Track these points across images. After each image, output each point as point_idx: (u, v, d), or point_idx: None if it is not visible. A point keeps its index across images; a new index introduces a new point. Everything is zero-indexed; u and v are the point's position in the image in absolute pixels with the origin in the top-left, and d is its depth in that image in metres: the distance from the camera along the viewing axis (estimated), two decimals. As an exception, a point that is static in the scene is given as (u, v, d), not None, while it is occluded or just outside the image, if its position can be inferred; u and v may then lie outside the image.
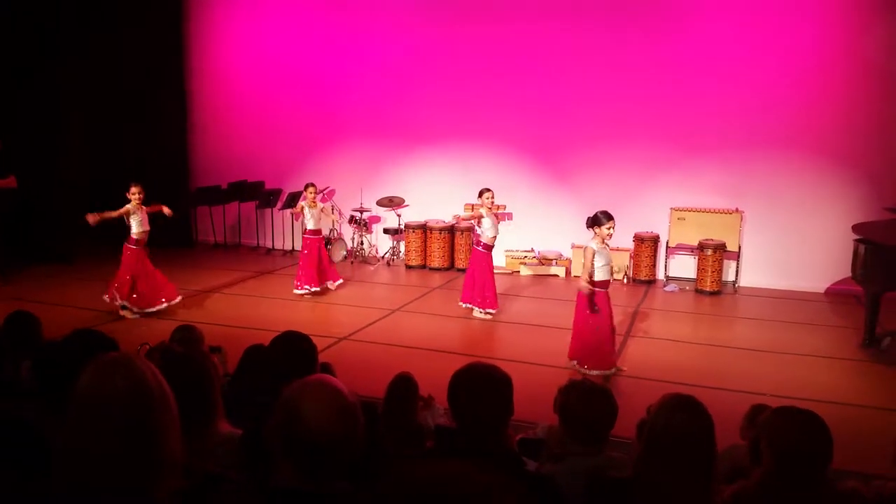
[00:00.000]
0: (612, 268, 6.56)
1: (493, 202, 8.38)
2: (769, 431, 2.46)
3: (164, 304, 8.43)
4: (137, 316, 8.25)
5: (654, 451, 2.31)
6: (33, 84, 10.80)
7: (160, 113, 12.68)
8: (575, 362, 6.56)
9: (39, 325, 4.15)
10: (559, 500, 2.37)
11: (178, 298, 8.57)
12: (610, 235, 6.35)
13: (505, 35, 11.08)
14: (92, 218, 7.96)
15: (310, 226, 9.48)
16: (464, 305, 8.59)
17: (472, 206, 8.83)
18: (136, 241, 8.25)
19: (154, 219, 8.54)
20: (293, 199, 12.14)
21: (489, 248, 8.45)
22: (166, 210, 8.56)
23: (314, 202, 9.47)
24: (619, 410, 2.99)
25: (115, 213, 8.10)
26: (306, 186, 9.52)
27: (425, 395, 4.23)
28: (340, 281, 9.80)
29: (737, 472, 2.71)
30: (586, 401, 2.92)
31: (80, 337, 3.02)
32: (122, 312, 8.24)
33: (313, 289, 9.40)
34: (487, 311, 8.46)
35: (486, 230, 8.34)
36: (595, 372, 6.32)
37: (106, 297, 8.29)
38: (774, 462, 2.38)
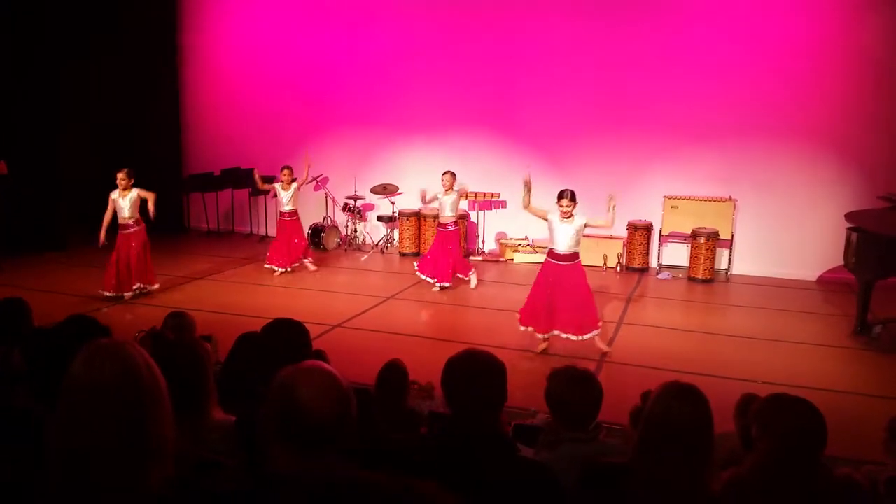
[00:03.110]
0: (559, 243, 6.74)
1: (451, 183, 9.15)
2: (762, 418, 2.47)
3: (143, 288, 8.52)
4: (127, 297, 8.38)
5: (652, 439, 2.31)
6: (29, 73, 10.71)
7: (154, 100, 12.61)
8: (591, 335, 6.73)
9: (29, 312, 4.12)
10: (554, 486, 2.38)
11: (156, 286, 8.66)
12: (563, 213, 6.64)
13: (499, 23, 11.02)
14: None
15: (283, 208, 9.93)
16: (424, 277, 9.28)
17: (466, 193, 9.12)
18: (120, 227, 8.39)
19: (144, 207, 8.52)
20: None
21: (443, 225, 9.29)
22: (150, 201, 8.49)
23: (288, 185, 9.86)
24: (613, 397, 3.00)
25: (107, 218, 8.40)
26: (281, 169, 9.95)
27: (425, 384, 4.23)
28: (309, 260, 10.17)
29: (729, 460, 2.72)
30: (569, 386, 2.95)
31: (72, 323, 3.00)
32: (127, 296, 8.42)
33: (280, 269, 9.81)
34: (438, 283, 9.10)
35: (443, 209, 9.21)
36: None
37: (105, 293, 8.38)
38: (768, 448, 2.39)
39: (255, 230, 12.88)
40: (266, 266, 9.90)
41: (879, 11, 9.44)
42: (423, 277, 9.20)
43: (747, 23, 9.96)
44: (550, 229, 6.79)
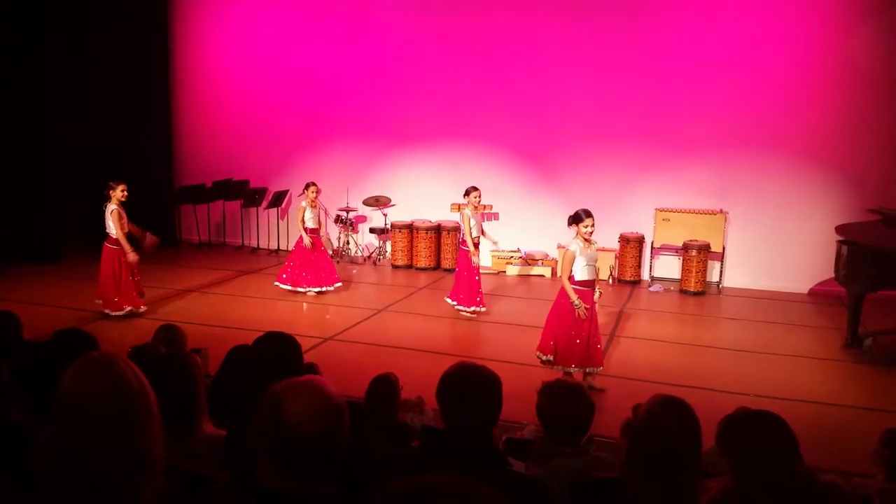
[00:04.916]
0: (596, 267, 6.31)
1: (479, 201, 8.42)
2: (724, 436, 2.48)
3: (129, 309, 8.21)
4: (121, 315, 8.18)
5: (642, 452, 2.31)
6: (20, 83, 10.68)
7: (145, 111, 12.60)
8: (543, 355, 6.31)
9: (20, 325, 4.09)
10: (546, 501, 2.37)
11: (143, 308, 8.35)
12: (590, 233, 6.13)
13: (492, 35, 11.09)
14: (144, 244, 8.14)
15: (310, 224, 9.34)
16: (448, 301, 8.62)
17: (459, 206, 8.85)
18: (117, 241, 8.06)
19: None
20: (279, 198, 12.11)
21: (477, 246, 8.43)
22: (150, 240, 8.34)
23: (315, 202, 9.37)
24: (605, 411, 3.00)
25: (118, 228, 7.95)
26: (307, 186, 9.35)
27: (415, 398, 4.21)
28: (339, 284, 9.65)
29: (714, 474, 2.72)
30: (560, 401, 2.95)
31: (62, 337, 2.99)
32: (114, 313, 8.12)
33: (316, 289, 9.33)
34: (466, 308, 8.46)
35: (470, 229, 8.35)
36: (571, 369, 6.15)
37: (99, 302, 8.18)
38: (736, 466, 2.39)
39: (246, 242, 12.85)
40: (313, 290, 9.38)
41: (869, 25, 9.55)
42: (468, 311, 8.49)
43: (738, 37, 10.05)
44: (579, 264, 6.13)
